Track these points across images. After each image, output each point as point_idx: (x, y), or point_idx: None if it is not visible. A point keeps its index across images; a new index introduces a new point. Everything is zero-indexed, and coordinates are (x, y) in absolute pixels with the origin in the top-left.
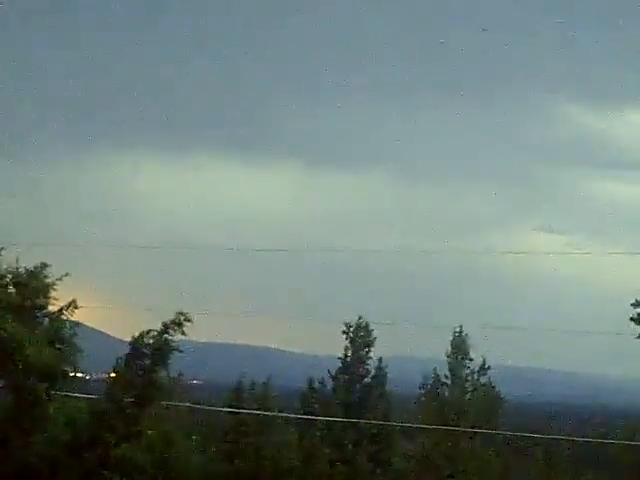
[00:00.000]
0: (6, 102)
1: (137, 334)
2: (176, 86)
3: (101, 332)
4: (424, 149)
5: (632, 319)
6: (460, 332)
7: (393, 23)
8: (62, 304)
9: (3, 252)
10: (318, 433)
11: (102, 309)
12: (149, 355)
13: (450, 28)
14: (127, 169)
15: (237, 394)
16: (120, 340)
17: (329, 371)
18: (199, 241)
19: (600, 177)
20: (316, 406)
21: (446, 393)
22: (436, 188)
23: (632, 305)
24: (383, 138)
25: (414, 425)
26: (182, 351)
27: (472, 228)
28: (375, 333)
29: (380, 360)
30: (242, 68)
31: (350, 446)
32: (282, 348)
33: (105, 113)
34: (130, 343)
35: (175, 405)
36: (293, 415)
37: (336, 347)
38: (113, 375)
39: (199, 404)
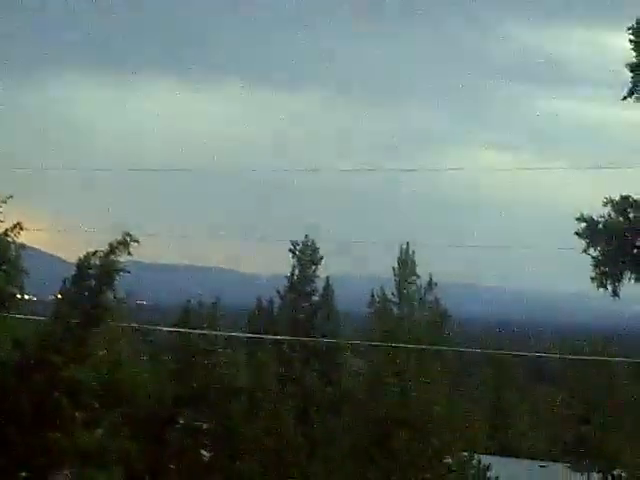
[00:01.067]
0: None
1: (82, 255)
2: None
3: (51, 255)
4: (369, 69)
5: (577, 234)
6: (407, 249)
7: None
8: (7, 226)
9: None
10: (266, 352)
11: (51, 232)
12: (96, 276)
13: None
14: (65, 91)
15: (186, 314)
16: (69, 262)
17: (278, 291)
18: (140, 163)
19: (546, 94)
20: (264, 325)
21: (394, 311)
22: (382, 107)
23: (577, 220)
24: (324, 59)
25: (362, 342)
26: (129, 272)
27: (419, 146)
28: (322, 252)
29: (327, 279)
30: None
31: (299, 364)
32: (230, 268)
33: (41, 37)
34: (76, 264)
35: (123, 326)
36: (241, 334)
37: (284, 267)
38: (60, 297)
39: (146, 325)
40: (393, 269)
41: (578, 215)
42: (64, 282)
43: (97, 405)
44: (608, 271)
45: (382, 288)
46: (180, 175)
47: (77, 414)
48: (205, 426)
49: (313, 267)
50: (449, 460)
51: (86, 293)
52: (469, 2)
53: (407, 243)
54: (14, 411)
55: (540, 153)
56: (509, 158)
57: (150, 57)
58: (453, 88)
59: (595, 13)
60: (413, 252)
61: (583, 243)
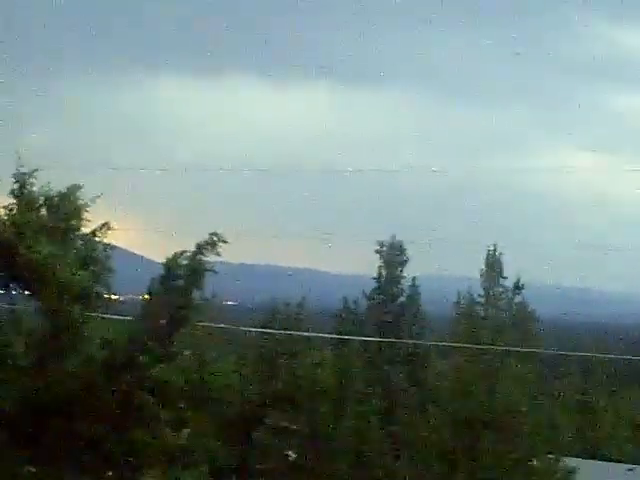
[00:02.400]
0: (38, 27)
1: (170, 255)
2: (208, 10)
3: (137, 254)
4: (457, 70)
5: None
6: (494, 250)
7: None
8: (95, 226)
9: (36, 174)
10: (353, 353)
11: (139, 232)
12: (183, 276)
13: None
14: (163, 92)
15: (272, 315)
16: (156, 262)
17: (364, 291)
18: (233, 163)
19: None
20: (351, 326)
21: (480, 312)
22: (474, 108)
23: None
24: (415, 59)
25: (448, 344)
26: (216, 272)
27: (506, 147)
28: (409, 253)
29: (414, 279)
30: None
31: (385, 366)
32: (316, 268)
33: (141, 38)
34: (164, 264)
35: (210, 326)
36: (328, 335)
37: (370, 267)
38: (147, 297)
39: (234, 325)
40: (480, 270)
41: None
42: (151, 282)
43: (183, 405)
44: None
45: (469, 289)
46: (265, 175)
47: (163, 414)
48: (292, 427)
49: (400, 268)
50: (535, 463)
51: (174, 293)
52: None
53: (494, 244)
54: (101, 410)
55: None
56: (606, 158)
57: (245, 57)
58: (538, 87)
59: None
60: (500, 253)
61: None
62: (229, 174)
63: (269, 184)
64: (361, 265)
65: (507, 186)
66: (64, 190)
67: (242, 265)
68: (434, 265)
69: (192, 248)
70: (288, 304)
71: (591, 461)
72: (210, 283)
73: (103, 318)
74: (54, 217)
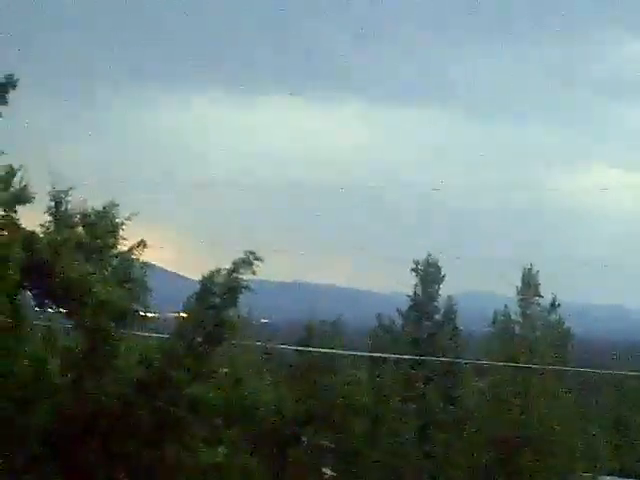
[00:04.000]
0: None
1: (207, 273)
2: (243, 28)
3: (171, 272)
4: (492, 89)
5: None
6: (530, 269)
7: None
8: (131, 243)
9: (72, 192)
10: (388, 370)
11: (173, 248)
12: (219, 294)
13: None
14: (199, 109)
15: (307, 332)
16: (190, 279)
17: (398, 309)
18: (267, 180)
19: None
20: (386, 344)
21: (516, 330)
22: (508, 126)
23: None
24: (448, 76)
25: (485, 362)
26: (252, 290)
27: (544, 164)
28: (445, 270)
29: (450, 298)
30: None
31: (421, 383)
32: (350, 286)
33: (183, 57)
34: (200, 282)
35: (245, 343)
36: (364, 353)
37: (404, 285)
38: (183, 314)
39: (270, 343)
40: (516, 288)
41: None
42: (187, 299)
43: (220, 422)
44: None
45: (505, 307)
46: (300, 192)
47: (199, 431)
48: (328, 444)
49: (436, 285)
50: None
51: (210, 311)
52: (572, 18)
53: (530, 263)
54: (137, 427)
55: None
56: (638, 176)
57: (283, 76)
58: (564, 104)
59: None
60: (537, 272)
61: None
62: (264, 191)
63: (300, 201)
64: (396, 283)
65: (540, 203)
66: (100, 207)
67: (275, 283)
68: (470, 283)
69: (228, 265)
70: (324, 321)
71: None
72: (247, 300)
73: (139, 336)
74: (90, 235)
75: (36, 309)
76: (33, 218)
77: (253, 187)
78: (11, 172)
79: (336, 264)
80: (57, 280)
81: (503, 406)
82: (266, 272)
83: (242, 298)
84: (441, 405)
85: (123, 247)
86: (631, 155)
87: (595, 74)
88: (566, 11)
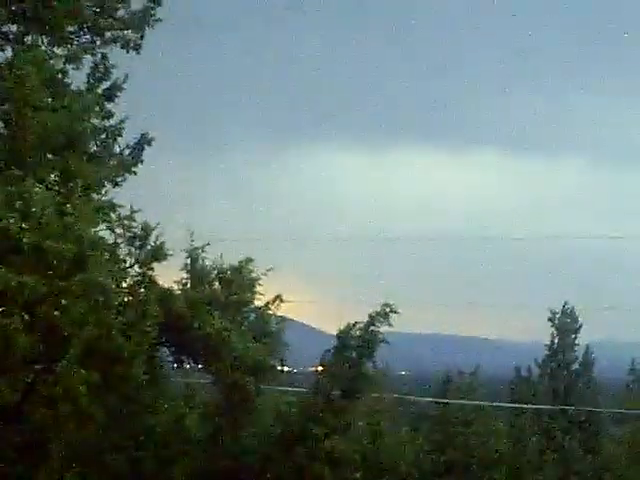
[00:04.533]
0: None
1: (343, 326)
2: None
3: (310, 326)
4: (621, 136)
5: None
6: None
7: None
8: (268, 299)
9: (208, 248)
10: (527, 421)
11: (311, 303)
12: (356, 347)
13: None
14: (322, 163)
15: (445, 384)
16: (322, 332)
17: (535, 359)
18: (396, 232)
19: None
20: (524, 394)
21: None
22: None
23: None
24: (577, 124)
25: (623, 411)
26: (389, 342)
27: None
28: (581, 319)
29: (587, 347)
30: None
31: (559, 433)
32: (486, 337)
33: (301, 111)
34: (337, 336)
35: (383, 397)
36: (501, 404)
37: (540, 334)
38: (321, 368)
39: (407, 395)
40: None
41: None
42: (324, 353)
43: (358, 476)
44: None
45: None
46: (432, 243)
47: None
48: None
49: (572, 335)
50: None
51: (347, 364)
52: None
53: None
54: None
55: None
56: None
57: (407, 123)
58: None
59: None
60: None
61: None
62: (391, 244)
63: (431, 253)
64: (528, 333)
65: None
66: (236, 263)
67: (411, 335)
68: (606, 331)
69: (364, 319)
70: (462, 373)
71: None
72: (383, 353)
73: (277, 390)
74: (227, 291)
75: (174, 365)
76: (169, 275)
77: (393, 239)
78: (147, 229)
79: (472, 315)
80: (194, 336)
81: None
82: (403, 324)
83: (380, 350)
84: (580, 454)
85: (259, 302)
86: None
87: None
88: None
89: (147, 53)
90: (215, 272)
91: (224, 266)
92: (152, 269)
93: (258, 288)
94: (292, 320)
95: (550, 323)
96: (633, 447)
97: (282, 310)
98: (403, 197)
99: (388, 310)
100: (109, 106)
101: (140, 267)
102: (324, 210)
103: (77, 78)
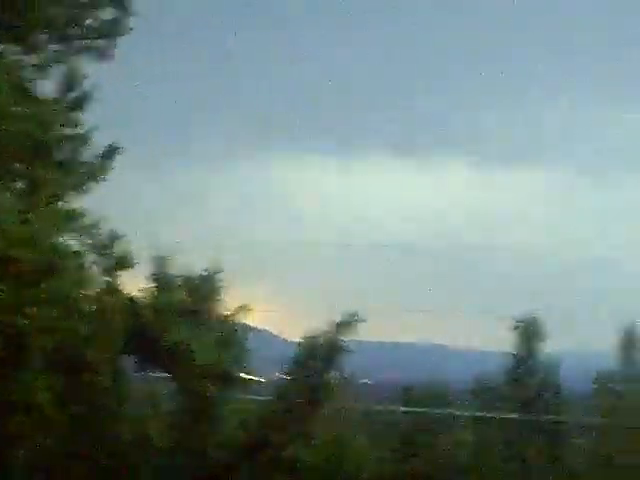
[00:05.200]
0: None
1: (306, 335)
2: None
3: (278, 335)
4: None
5: None
6: (633, 325)
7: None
8: (233, 307)
9: (174, 257)
10: (491, 431)
11: (276, 312)
12: (319, 356)
13: None
14: (295, 172)
15: (407, 393)
16: (285, 340)
17: (500, 368)
18: (367, 240)
19: None
20: (488, 403)
21: (621, 388)
22: (623, 191)
23: None
24: (558, 135)
25: (587, 420)
26: (353, 351)
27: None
28: (546, 328)
29: (551, 356)
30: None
31: (522, 443)
32: (447, 344)
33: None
34: (299, 344)
35: (346, 405)
36: (465, 413)
37: (504, 343)
38: (283, 376)
39: (370, 404)
40: (617, 346)
41: None
42: (286, 362)
43: None
44: None
45: (607, 365)
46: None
47: None
48: None
49: (537, 343)
50: None
51: (310, 373)
52: None
53: (634, 319)
54: None
55: None
56: None
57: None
58: None
59: None
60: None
61: None
62: (367, 250)
63: (395, 261)
64: (487, 341)
65: None
66: (202, 272)
67: (374, 343)
68: (571, 340)
69: (327, 327)
70: (425, 381)
71: None
72: (346, 361)
73: (240, 399)
74: (193, 299)
75: (140, 373)
76: (136, 284)
77: (359, 246)
78: (113, 237)
79: (432, 322)
80: (159, 344)
81: (608, 465)
82: (367, 333)
83: (343, 359)
84: (543, 465)
85: (226, 311)
86: None
87: None
88: None
89: (127, 60)
90: (180, 280)
91: (191, 275)
92: (118, 277)
93: (225, 297)
94: (259, 329)
95: (515, 332)
96: (597, 458)
97: (250, 319)
98: (380, 209)
99: (353, 319)
100: (79, 115)
101: (106, 275)
102: (291, 217)
103: (47, 87)
